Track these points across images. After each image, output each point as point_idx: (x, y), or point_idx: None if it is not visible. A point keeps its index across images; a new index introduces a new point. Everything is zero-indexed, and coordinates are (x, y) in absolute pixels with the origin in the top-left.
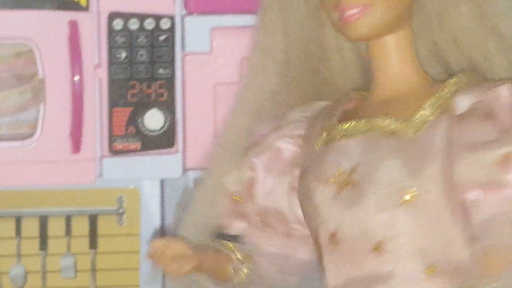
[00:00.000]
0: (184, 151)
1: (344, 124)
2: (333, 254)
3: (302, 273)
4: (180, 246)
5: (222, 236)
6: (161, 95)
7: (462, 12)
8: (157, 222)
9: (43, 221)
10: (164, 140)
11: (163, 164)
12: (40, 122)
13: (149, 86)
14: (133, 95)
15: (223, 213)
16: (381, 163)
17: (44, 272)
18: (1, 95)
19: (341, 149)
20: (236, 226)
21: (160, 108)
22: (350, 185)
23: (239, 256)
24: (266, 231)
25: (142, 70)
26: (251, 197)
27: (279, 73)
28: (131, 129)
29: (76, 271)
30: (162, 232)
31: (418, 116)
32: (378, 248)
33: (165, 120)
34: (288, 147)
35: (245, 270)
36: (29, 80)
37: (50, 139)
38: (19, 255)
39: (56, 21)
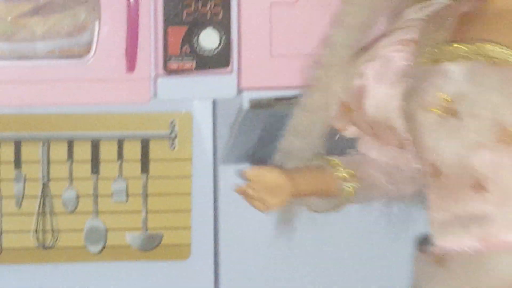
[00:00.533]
0: (239, 71)
1: (450, 45)
2: (435, 186)
3: (417, 184)
4: (274, 174)
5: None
6: (217, 14)
7: None
8: (209, 147)
9: (95, 145)
10: (219, 59)
11: (217, 84)
12: (95, 41)
13: (204, 5)
14: (189, 14)
15: (334, 118)
16: (486, 97)
17: (95, 196)
18: (56, 18)
19: (445, 73)
20: (350, 130)
21: (215, 27)
22: (451, 115)
23: (344, 173)
24: (378, 140)
25: None
26: (360, 106)
27: None
28: (186, 48)
29: (127, 195)
30: (214, 157)
31: None
32: (478, 186)
33: (220, 40)
34: (399, 55)
35: (353, 184)
36: (83, 2)
37: (105, 58)
38: (71, 178)
39: None
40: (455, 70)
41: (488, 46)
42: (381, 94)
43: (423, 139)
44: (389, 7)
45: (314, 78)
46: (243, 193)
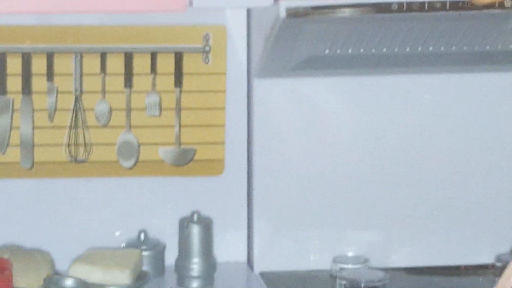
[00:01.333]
0: None
1: None
2: None
3: None
4: None
5: None
6: None
7: None
8: (243, 60)
9: (128, 58)
10: None
11: None
12: None
13: None
14: None
15: None
16: None
17: (128, 110)
18: None
19: None
20: None
21: None
22: None
23: None
24: None
25: None
26: None
27: None
28: None
29: (160, 109)
30: (248, 71)
31: None
32: None
33: None
34: None
35: None
36: None
37: None
38: (103, 92)
39: None
40: None
41: None
42: None
43: None
44: None
45: None
46: None
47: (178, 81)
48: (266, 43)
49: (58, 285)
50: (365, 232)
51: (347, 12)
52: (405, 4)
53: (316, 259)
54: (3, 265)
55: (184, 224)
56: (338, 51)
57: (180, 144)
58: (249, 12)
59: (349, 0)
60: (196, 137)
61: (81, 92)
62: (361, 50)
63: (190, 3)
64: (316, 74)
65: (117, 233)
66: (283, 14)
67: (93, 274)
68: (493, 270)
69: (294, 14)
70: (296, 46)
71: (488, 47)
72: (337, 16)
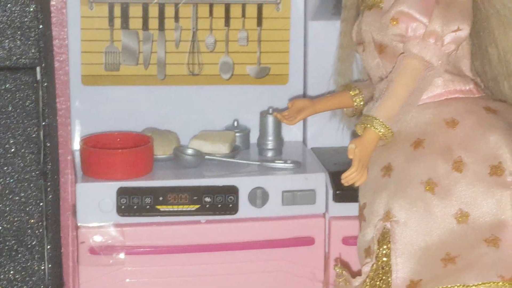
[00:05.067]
0: None
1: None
2: (362, 57)
3: None
4: (300, 102)
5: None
6: None
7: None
8: (301, 9)
9: (227, 7)
10: None
11: None
12: None
13: None
14: None
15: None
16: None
17: (227, 41)
18: None
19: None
20: None
21: None
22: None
23: (355, 91)
24: None
25: None
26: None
27: None
28: None
29: (248, 41)
30: (305, 16)
31: None
32: (380, 80)
33: None
34: None
35: (360, 98)
36: None
37: None
38: (211, 29)
39: None
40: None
41: None
42: None
43: None
44: None
45: (340, 28)
46: (280, 115)
47: (259, 22)
48: None
49: (183, 152)
50: None
51: None
52: None
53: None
54: (147, 140)
55: (263, 115)
56: None
57: (260, 63)
58: None
59: None
60: (271, 59)
61: (197, 29)
62: None
63: None
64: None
65: (218, 122)
66: None
67: (205, 146)
68: None
69: None
70: (337, 0)
71: None
72: None
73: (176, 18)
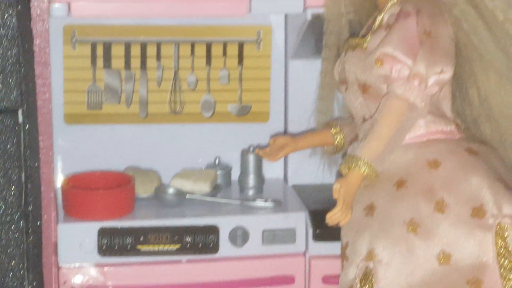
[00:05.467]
0: None
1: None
2: (355, 124)
3: None
4: (282, 139)
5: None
6: None
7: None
8: (282, 47)
9: (209, 46)
10: None
11: (290, 3)
12: None
13: None
14: None
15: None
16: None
17: (208, 80)
18: None
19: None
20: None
21: None
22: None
23: (335, 129)
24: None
25: None
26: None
27: None
28: None
29: (229, 79)
30: (285, 55)
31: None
32: (364, 120)
33: None
34: None
35: (341, 136)
36: None
37: None
38: (192, 68)
39: None
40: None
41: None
42: None
43: None
44: None
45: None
46: (261, 152)
47: (240, 61)
48: (298, 36)
49: (164, 192)
50: None
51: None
52: None
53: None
54: (128, 180)
55: (244, 154)
56: None
57: (241, 102)
58: (286, 16)
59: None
60: (252, 97)
61: (178, 68)
62: None
63: (249, 10)
64: None
65: (200, 159)
66: (309, 17)
67: (186, 185)
68: None
69: (317, 18)
70: (317, 39)
71: None
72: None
73: (158, 57)
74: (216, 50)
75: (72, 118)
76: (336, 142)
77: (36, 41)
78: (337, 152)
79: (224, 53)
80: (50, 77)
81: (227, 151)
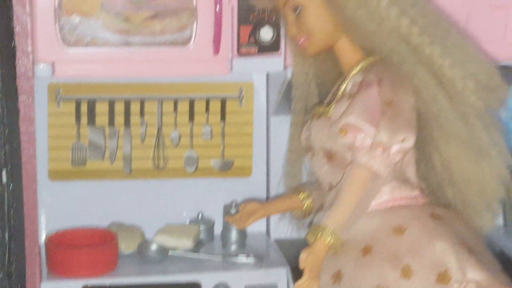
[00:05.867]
0: (285, 54)
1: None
2: (322, 190)
3: None
4: (251, 205)
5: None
6: (272, 17)
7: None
8: (264, 104)
9: (191, 103)
10: (272, 46)
11: (271, 62)
12: (193, 35)
13: (264, 11)
14: (253, 16)
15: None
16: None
17: (191, 136)
18: (168, 20)
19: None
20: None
21: (270, 25)
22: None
23: (304, 194)
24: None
25: None
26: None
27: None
28: (252, 39)
29: (212, 135)
30: (267, 111)
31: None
32: (330, 187)
33: (274, 34)
34: None
35: (309, 201)
36: (186, 10)
37: (200, 45)
38: (175, 124)
39: None
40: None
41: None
42: None
43: None
44: None
45: (289, 132)
46: (231, 219)
47: (223, 117)
48: (278, 94)
49: (147, 248)
50: None
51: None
52: None
53: None
54: (111, 237)
55: (226, 208)
56: None
57: (224, 157)
58: (267, 74)
59: None
60: (234, 152)
61: (162, 124)
62: None
63: (231, 69)
64: None
65: (184, 214)
66: (289, 76)
67: (169, 241)
68: None
69: None
70: None
71: None
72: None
73: (142, 114)
74: (199, 107)
75: (56, 175)
76: (304, 207)
77: (21, 98)
78: (306, 217)
79: (207, 109)
80: (34, 134)
81: (210, 206)
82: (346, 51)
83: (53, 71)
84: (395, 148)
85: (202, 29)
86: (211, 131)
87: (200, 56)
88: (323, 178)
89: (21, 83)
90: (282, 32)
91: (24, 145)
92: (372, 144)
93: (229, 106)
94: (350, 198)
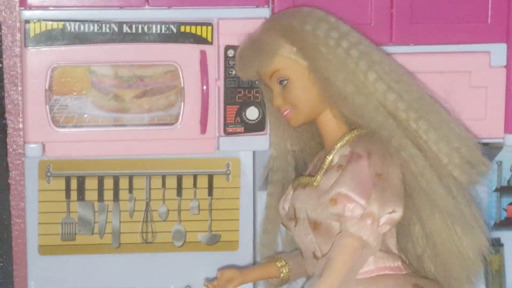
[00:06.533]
0: (270, 133)
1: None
2: (303, 259)
3: None
4: (229, 272)
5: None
6: (257, 97)
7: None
8: (250, 179)
9: (179, 178)
10: (258, 126)
11: (256, 141)
12: (181, 114)
13: (249, 92)
14: (239, 97)
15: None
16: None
17: (179, 210)
18: (156, 98)
19: (294, 197)
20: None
21: (256, 106)
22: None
23: (281, 262)
24: None
25: (245, 82)
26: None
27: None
28: (238, 119)
29: (199, 209)
30: (254, 186)
31: (321, 172)
32: (314, 255)
33: (259, 113)
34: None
35: (286, 269)
36: (173, 88)
37: (187, 125)
38: (164, 199)
39: (192, 50)
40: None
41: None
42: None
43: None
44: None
45: (266, 202)
46: (210, 285)
47: (210, 192)
48: (265, 170)
49: None
50: None
51: None
52: None
53: None
54: None
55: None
56: None
57: (211, 231)
58: (254, 152)
59: None
60: (221, 226)
61: (150, 199)
62: None
63: (218, 148)
64: None
65: (172, 287)
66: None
67: None
68: None
69: None
70: None
71: None
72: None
73: (130, 189)
74: (187, 182)
75: (46, 249)
76: (282, 275)
77: (12, 175)
78: (282, 285)
79: (194, 185)
80: (25, 209)
81: (197, 279)
82: (330, 123)
83: (44, 151)
84: (384, 219)
85: (189, 108)
86: (199, 205)
87: (187, 135)
88: (306, 246)
89: (12, 160)
90: (267, 112)
91: (14, 220)
92: (362, 215)
93: (216, 181)
94: (340, 266)
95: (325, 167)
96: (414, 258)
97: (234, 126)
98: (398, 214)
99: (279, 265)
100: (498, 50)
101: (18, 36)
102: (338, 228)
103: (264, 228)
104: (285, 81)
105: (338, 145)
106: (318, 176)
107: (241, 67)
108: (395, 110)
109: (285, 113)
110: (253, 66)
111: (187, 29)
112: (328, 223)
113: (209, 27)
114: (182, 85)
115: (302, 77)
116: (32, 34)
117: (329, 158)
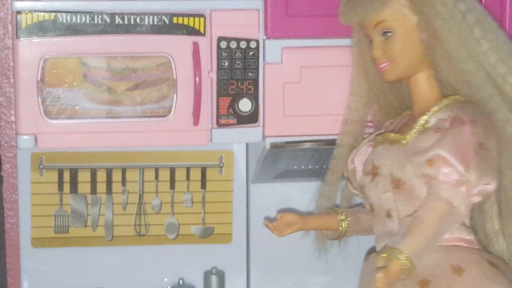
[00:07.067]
0: (263, 125)
1: (382, 135)
2: (373, 217)
3: None
4: (290, 216)
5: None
6: (250, 89)
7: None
8: (243, 172)
9: (172, 171)
10: (251, 118)
11: (249, 133)
12: (173, 106)
13: (242, 84)
14: (232, 89)
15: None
16: (384, 162)
17: (172, 203)
18: (149, 90)
19: (376, 152)
20: (353, 191)
21: (249, 97)
22: (375, 175)
23: (341, 216)
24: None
25: (238, 73)
26: (353, 179)
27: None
28: (230, 110)
29: (192, 202)
30: (247, 179)
31: (411, 131)
32: (388, 214)
33: (252, 105)
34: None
35: (346, 223)
36: (166, 80)
37: (180, 117)
38: (157, 191)
39: (185, 42)
40: (379, 150)
41: (389, 134)
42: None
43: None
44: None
45: (334, 153)
46: (270, 225)
47: (203, 185)
48: (258, 163)
49: None
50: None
51: (307, 145)
52: None
53: None
54: None
55: (207, 275)
56: (303, 167)
57: (204, 224)
58: (247, 144)
59: (307, 138)
60: (215, 219)
61: (143, 192)
62: (317, 166)
63: (211, 140)
64: (289, 180)
65: (165, 280)
66: (268, 146)
67: None
68: None
69: (275, 146)
70: (275, 165)
71: None
72: (300, 147)
73: (123, 182)
74: (180, 175)
75: (39, 242)
76: (340, 229)
77: (5, 167)
78: (338, 239)
79: (188, 178)
80: (18, 202)
81: (191, 272)
82: (423, 85)
83: (36, 143)
84: (477, 189)
85: (182, 100)
86: (192, 198)
87: (180, 127)
88: (381, 204)
89: (4, 152)
90: (260, 103)
91: (7, 213)
92: (458, 181)
93: (209, 174)
94: (428, 228)
95: (417, 127)
96: (482, 235)
97: (227, 118)
98: (491, 187)
99: (340, 218)
100: None
101: (10, 28)
102: (422, 190)
103: (327, 179)
104: (390, 33)
105: (435, 108)
106: (408, 136)
107: (347, 11)
108: (503, 83)
109: (382, 65)
110: (361, 12)
111: (180, 20)
112: (412, 183)
113: (202, 19)
114: (174, 77)
115: (409, 33)
116: (23, 25)
117: (423, 119)
